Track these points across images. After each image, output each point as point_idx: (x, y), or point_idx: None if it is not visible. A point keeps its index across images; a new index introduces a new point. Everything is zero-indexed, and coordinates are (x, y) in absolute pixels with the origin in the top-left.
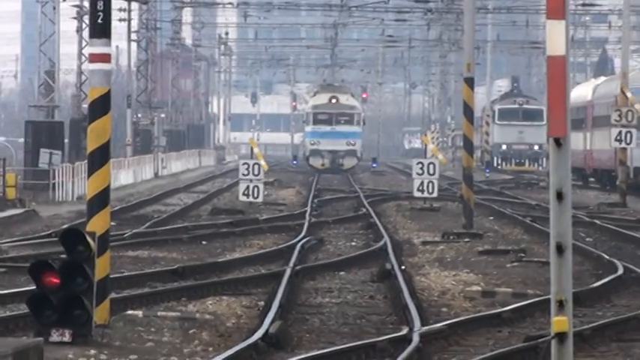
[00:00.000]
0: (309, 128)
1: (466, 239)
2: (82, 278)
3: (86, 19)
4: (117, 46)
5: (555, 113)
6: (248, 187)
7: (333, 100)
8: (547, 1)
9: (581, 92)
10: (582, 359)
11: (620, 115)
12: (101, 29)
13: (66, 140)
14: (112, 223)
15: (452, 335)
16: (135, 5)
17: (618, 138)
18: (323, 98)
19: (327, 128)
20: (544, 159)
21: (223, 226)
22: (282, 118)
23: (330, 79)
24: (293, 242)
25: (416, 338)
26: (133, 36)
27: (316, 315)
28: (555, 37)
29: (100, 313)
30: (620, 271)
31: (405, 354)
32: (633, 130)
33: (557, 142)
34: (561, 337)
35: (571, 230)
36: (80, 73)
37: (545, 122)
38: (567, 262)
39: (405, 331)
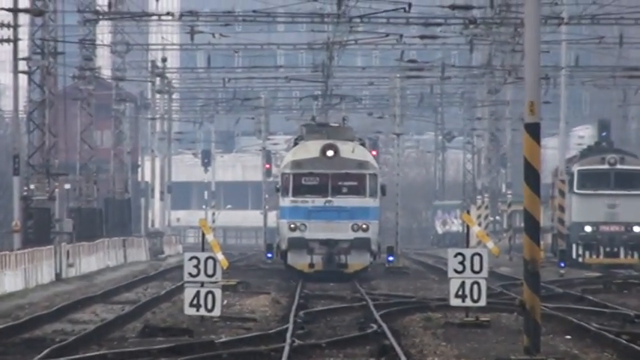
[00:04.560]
0: (286, 202)
1: None
2: None
3: None
4: None
5: None
6: (198, 295)
7: (329, 152)
8: None
9: None
10: None
11: None
12: None
13: None
14: None
15: None
16: (25, 18)
17: None
18: (311, 148)
19: (320, 201)
20: None
21: (161, 353)
22: (249, 189)
23: (322, 118)
24: None
25: None
26: (22, 65)
27: None
28: None
29: None
30: None
31: None
32: None
33: None
34: None
35: None
36: None
37: None
38: None
39: None
